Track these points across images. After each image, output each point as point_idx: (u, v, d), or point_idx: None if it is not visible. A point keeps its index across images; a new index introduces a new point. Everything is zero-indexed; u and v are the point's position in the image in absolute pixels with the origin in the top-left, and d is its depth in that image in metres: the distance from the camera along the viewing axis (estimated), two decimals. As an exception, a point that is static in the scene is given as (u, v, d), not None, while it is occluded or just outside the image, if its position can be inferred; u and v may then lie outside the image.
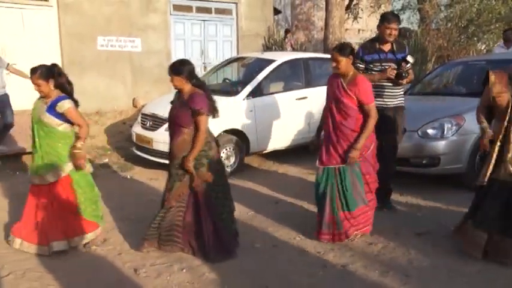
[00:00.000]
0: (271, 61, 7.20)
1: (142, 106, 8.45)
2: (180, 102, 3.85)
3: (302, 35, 19.70)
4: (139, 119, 7.09)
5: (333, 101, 4.01)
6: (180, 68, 3.79)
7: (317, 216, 4.18)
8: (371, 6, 15.77)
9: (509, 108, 3.39)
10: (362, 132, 3.92)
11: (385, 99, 4.77)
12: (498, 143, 3.49)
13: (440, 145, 5.39)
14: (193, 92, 3.80)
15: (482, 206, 3.69)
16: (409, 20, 15.35)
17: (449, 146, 5.37)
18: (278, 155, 7.17)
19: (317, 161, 4.13)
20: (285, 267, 3.72)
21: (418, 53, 10.70)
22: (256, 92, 6.75)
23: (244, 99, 6.61)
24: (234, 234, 4.03)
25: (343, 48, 3.91)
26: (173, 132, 3.87)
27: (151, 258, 3.85)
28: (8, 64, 6.86)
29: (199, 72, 10.66)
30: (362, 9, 16.37)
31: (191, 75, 3.83)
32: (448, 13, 12.64)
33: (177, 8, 10.69)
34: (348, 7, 13.88)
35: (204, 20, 11.13)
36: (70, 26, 9.16)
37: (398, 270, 3.58)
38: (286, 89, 7.27)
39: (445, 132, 5.41)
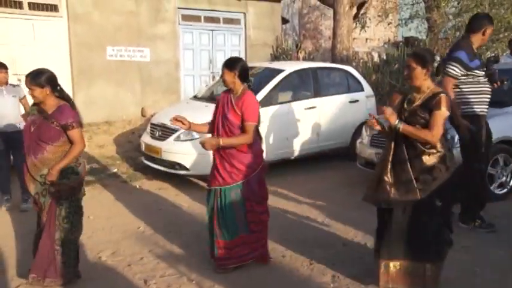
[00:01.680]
0: (280, 71, 7.20)
1: (151, 115, 8.49)
2: (41, 117, 3.44)
3: (310, 44, 19.74)
4: (148, 128, 7.11)
5: (220, 117, 3.72)
6: (39, 76, 3.40)
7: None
8: (378, 16, 15.78)
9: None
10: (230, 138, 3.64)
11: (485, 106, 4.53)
12: (389, 164, 3.27)
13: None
14: (59, 104, 3.46)
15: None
16: (417, 29, 15.31)
17: (459, 156, 5.30)
18: (286, 165, 7.14)
19: (209, 181, 3.80)
20: (295, 278, 3.69)
21: (427, 62, 10.67)
22: (265, 102, 6.74)
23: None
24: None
25: (232, 64, 3.69)
26: (33, 150, 3.43)
27: (161, 269, 3.84)
28: (25, 96, 5.58)
29: (208, 81, 10.71)
30: (370, 19, 16.37)
31: (54, 85, 3.46)
32: (456, 22, 12.61)
33: (186, 18, 10.76)
34: (355, 16, 13.88)
35: (212, 30, 11.19)
36: (80, 36, 9.24)
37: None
38: (295, 98, 7.26)
39: (455, 142, 5.35)
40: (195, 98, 7.87)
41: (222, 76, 3.73)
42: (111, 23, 9.59)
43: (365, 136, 6.36)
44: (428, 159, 3.18)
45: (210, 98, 7.53)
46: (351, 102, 7.70)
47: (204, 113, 6.52)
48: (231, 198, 3.67)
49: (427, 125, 3.16)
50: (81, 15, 9.26)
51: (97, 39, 9.40)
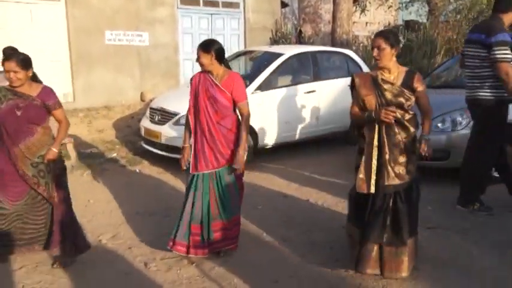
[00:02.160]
0: (279, 55, 7.16)
1: (150, 100, 8.46)
2: (25, 100, 3.45)
3: (309, 28, 19.59)
4: (147, 113, 7.09)
5: (206, 99, 3.64)
6: (26, 60, 3.44)
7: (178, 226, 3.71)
8: (379, -1, 15.65)
9: (378, 109, 3.22)
10: (242, 132, 3.65)
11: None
12: (375, 148, 3.26)
13: (450, 138, 5.35)
14: (41, 86, 3.57)
15: (370, 218, 3.31)
16: (418, 13, 15.20)
17: (459, 139, 5.31)
18: (286, 149, 7.15)
19: (191, 167, 3.70)
20: (295, 261, 3.72)
21: (427, 46, 10.62)
22: (265, 86, 6.73)
23: (252, 93, 6.59)
24: None
25: (206, 44, 3.63)
26: (24, 134, 3.48)
27: (162, 252, 3.86)
28: None
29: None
30: (370, 2, 16.20)
31: (31, 66, 3.50)
32: (457, 5, 12.51)
33: (185, 1, 10.65)
34: (355, 0, 13.76)
35: (211, 14, 11.10)
36: (78, 20, 9.16)
37: (409, 265, 3.56)
38: (295, 82, 7.23)
39: (456, 125, 5.36)
40: (194, 82, 7.82)
41: (198, 59, 3.64)
42: (109, 7, 9.50)
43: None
44: (412, 142, 3.31)
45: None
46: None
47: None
48: (228, 179, 3.70)
49: (409, 106, 3.26)
50: (79, -1, 9.17)
51: (95, 23, 9.32)
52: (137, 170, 6.58)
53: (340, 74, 7.74)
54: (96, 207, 5.04)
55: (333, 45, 10.94)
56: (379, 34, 3.33)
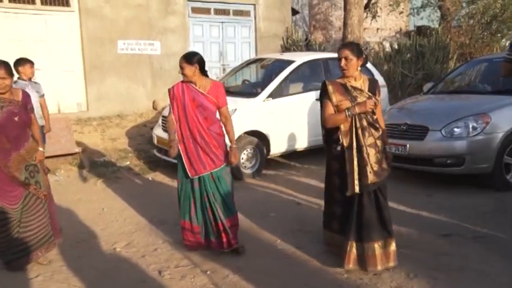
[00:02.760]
0: (290, 62, 7.17)
1: (163, 108, 8.51)
2: (16, 106, 3.63)
3: (320, 34, 19.59)
4: (160, 121, 7.13)
5: (195, 107, 3.86)
6: (10, 67, 3.68)
7: (193, 228, 3.98)
8: (390, 5, 15.59)
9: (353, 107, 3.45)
10: (230, 133, 4.00)
11: None
12: (354, 150, 3.43)
13: (465, 144, 5.29)
14: (20, 90, 3.79)
15: (361, 217, 3.47)
16: (429, 18, 15.09)
17: (474, 145, 5.26)
18: (298, 156, 7.13)
19: (189, 171, 3.90)
20: (308, 269, 3.69)
21: (439, 51, 10.55)
22: (276, 93, 6.74)
23: (264, 101, 6.60)
24: None
25: (190, 56, 3.87)
26: (23, 138, 3.68)
27: (176, 260, 3.87)
28: (43, 94, 5.94)
29: (218, 74, 10.71)
30: (381, 8, 16.19)
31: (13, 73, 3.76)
32: (470, 9, 12.40)
33: (196, 10, 10.75)
34: (366, 6, 13.74)
35: (222, 22, 11.17)
36: (91, 30, 9.28)
37: (425, 273, 3.51)
38: (306, 89, 7.23)
39: (470, 131, 5.31)
40: (206, 90, 7.86)
41: (182, 71, 3.85)
42: (121, 17, 9.62)
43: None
44: (382, 141, 3.57)
45: (221, 90, 7.52)
46: (362, 92, 7.64)
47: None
48: (225, 178, 3.96)
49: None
50: (92, 10, 9.29)
51: (108, 33, 9.43)
52: (150, 178, 6.61)
53: (352, 80, 7.71)
54: (109, 216, 5.07)
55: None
56: (345, 46, 3.55)
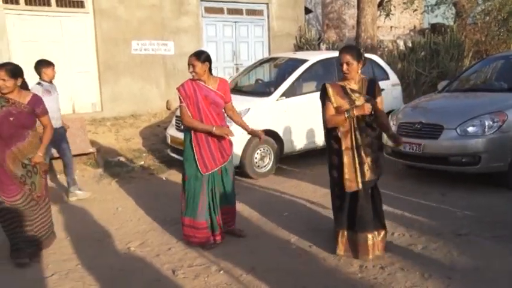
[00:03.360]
0: (303, 61, 7.15)
1: (176, 108, 8.55)
2: (16, 107, 3.82)
3: (333, 33, 19.51)
4: (173, 121, 7.17)
5: (208, 104, 4.00)
6: (14, 70, 3.86)
7: (204, 223, 4.06)
8: (404, 3, 15.45)
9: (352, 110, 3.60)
10: (241, 123, 4.35)
11: None
12: (353, 150, 3.63)
13: (481, 143, 5.22)
14: (31, 93, 4.00)
15: (356, 210, 3.72)
16: (444, 15, 14.93)
17: (490, 143, 5.19)
18: (310, 155, 7.11)
19: (201, 169, 4.02)
20: (322, 268, 3.68)
21: (455, 49, 10.44)
22: (289, 93, 6.72)
23: (277, 100, 6.60)
24: None
25: (200, 54, 4.01)
26: (17, 138, 3.85)
27: (189, 259, 3.89)
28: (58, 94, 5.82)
29: (232, 73, 10.72)
30: (394, 6, 16.06)
31: (20, 76, 3.91)
32: (486, 6, 12.23)
33: (209, 10, 10.78)
34: (380, 4, 13.64)
35: (235, 22, 11.18)
36: (105, 31, 9.37)
37: (440, 273, 3.48)
38: (319, 88, 7.17)
39: (486, 129, 5.24)
40: (219, 90, 7.88)
41: (193, 69, 3.95)
42: (135, 17, 9.68)
43: (392, 125, 6.26)
44: (378, 141, 3.81)
45: (234, 89, 7.53)
46: (376, 91, 7.59)
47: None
48: (230, 170, 4.22)
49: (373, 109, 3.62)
50: (107, 10, 9.37)
51: (122, 33, 9.51)
52: (164, 178, 6.65)
53: (366, 79, 7.67)
54: (124, 215, 5.12)
55: (357, 50, 10.84)
56: (346, 51, 3.63)
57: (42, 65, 5.55)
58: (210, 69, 4.07)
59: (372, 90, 3.68)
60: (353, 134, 3.62)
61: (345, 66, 3.58)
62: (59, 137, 5.52)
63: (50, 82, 5.63)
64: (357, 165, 3.62)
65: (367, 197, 3.71)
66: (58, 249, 4.17)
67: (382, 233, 3.81)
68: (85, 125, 7.48)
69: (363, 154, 3.63)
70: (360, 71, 3.65)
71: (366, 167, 3.64)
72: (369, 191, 3.72)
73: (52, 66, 5.63)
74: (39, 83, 5.49)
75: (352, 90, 3.65)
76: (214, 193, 4.10)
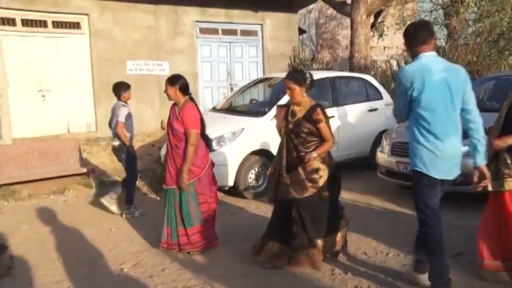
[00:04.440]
0: (297, 81, 7.20)
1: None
2: None
3: (327, 53, 19.73)
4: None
5: (169, 127, 4.41)
6: None
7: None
8: (396, 24, 15.66)
9: (285, 137, 3.96)
10: (184, 159, 4.25)
11: None
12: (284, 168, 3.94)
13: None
14: None
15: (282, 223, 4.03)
16: (436, 36, 15.16)
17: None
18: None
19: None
20: (324, 284, 3.66)
21: (447, 69, 10.54)
22: (284, 112, 6.75)
23: (271, 120, 6.63)
24: None
25: (173, 79, 4.38)
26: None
27: (183, 281, 3.85)
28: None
29: (226, 93, 10.78)
30: (387, 27, 16.25)
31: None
32: (476, 28, 12.42)
33: (204, 31, 10.90)
34: (373, 25, 13.82)
35: (230, 42, 11.30)
36: (101, 51, 9.43)
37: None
38: (313, 108, 7.23)
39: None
40: (214, 109, 7.93)
41: (165, 91, 4.41)
42: (131, 38, 9.77)
43: (385, 145, 6.30)
44: (314, 163, 3.84)
45: (228, 109, 7.58)
46: (370, 110, 7.66)
47: (223, 124, 6.59)
48: (187, 194, 4.32)
49: (309, 134, 3.85)
50: (102, 31, 9.46)
51: (117, 54, 9.58)
52: (158, 198, 6.62)
53: (359, 99, 7.75)
54: (117, 235, 5.08)
55: (351, 70, 10.98)
56: (288, 77, 3.93)
57: (122, 88, 5.96)
58: (185, 93, 4.38)
59: (308, 115, 3.86)
60: (282, 153, 3.96)
61: (288, 92, 3.90)
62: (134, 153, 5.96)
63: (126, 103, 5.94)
64: (277, 182, 3.98)
65: (296, 213, 3.90)
66: (50, 271, 4.13)
67: (314, 250, 3.92)
68: (79, 145, 7.47)
69: (284, 173, 3.90)
70: (305, 95, 3.91)
71: (286, 186, 3.88)
72: (297, 208, 3.88)
73: (130, 89, 6.04)
74: (124, 105, 5.89)
75: (292, 113, 3.93)
76: (174, 212, 4.40)
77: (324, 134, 3.88)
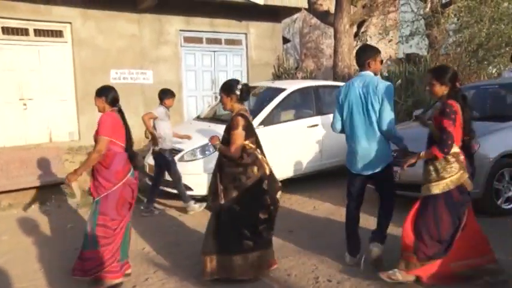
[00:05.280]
0: (282, 90, 7.26)
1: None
2: None
3: (311, 62, 19.88)
4: (151, 150, 7.12)
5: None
6: None
7: None
8: (379, 33, 15.90)
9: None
10: (82, 163, 4.04)
11: None
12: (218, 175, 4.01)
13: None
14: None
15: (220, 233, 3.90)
16: (418, 46, 15.39)
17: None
18: (290, 184, 7.13)
19: None
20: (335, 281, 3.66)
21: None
22: (268, 121, 6.79)
23: (256, 128, 6.63)
24: None
25: (100, 92, 4.27)
26: None
27: (166, 291, 3.82)
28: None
29: (210, 102, 10.78)
30: (370, 36, 16.50)
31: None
32: (457, 38, 12.68)
33: (188, 39, 10.91)
34: (356, 34, 14.01)
35: (214, 51, 11.33)
36: (84, 60, 9.37)
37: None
38: (298, 117, 7.30)
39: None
40: (198, 118, 7.92)
41: (95, 103, 4.22)
42: (114, 47, 9.73)
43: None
44: (235, 170, 3.89)
45: (213, 118, 7.58)
46: (353, 119, 7.72)
47: (208, 133, 6.56)
48: (91, 211, 3.94)
49: (227, 142, 3.93)
50: (86, 40, 9.40)
51: (101, 62, 9.53)
52: (141, 207, 6.56)
53: (343, 107, 7.80)
54: (100, 246, 5.01)
55: (334, 79, 11.08)
56: (220, 88, 4.14)
57: (167, 95, 6.26)
58: (112, 104, 4.20)
59: (229, 124, 3.99)
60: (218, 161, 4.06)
61: (220, 99, 4.15)
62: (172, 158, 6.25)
63: (168, 109, 6.27)
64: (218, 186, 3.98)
65: (226, 220, 3.87)
66: (31, 282, 4.06)
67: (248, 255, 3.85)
68: (61, 154, 7.38)
69: (218, 180, 3.96)
70: (233, 104, 3.99)
71: (219, 193, 3.92)
72: (229, 214, 3.86)
73: (174, 98, 6.35)
74: (164, 107, 6.24)
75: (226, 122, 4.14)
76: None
77: (230, 140, 3.89)
